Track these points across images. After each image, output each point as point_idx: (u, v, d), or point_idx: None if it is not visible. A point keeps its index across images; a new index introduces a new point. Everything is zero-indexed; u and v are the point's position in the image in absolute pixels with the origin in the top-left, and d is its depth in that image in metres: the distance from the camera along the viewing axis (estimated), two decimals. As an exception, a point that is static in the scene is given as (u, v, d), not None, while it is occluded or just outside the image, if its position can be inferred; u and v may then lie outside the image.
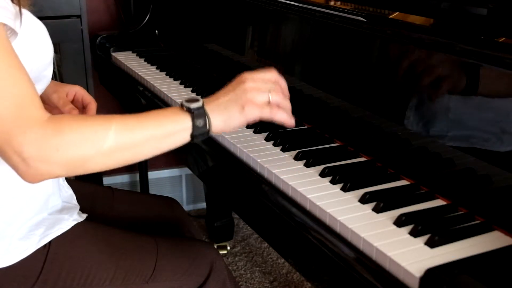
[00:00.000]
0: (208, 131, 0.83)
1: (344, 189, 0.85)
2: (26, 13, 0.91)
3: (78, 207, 1.06)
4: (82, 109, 1.15)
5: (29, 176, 0.74)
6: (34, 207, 0.97)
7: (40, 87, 0.96)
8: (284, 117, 0.87)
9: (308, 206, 0.83)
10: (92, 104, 1.15)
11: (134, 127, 0.79)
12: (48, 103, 1.13)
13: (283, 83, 0.90)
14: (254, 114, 0.84)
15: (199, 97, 0.83)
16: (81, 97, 1.16)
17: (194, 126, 0.81)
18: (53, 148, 0.73)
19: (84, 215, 1.04)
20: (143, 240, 1.05)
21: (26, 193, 0.95)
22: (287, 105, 0.88)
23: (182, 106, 0.82)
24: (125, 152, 0.78)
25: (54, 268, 0.94)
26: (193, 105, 0.81)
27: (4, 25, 0.78)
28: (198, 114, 0.81)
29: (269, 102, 0.85)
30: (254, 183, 0.94)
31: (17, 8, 0.86)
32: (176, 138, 0.81)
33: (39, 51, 0.92)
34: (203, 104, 0.82)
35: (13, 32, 0.82)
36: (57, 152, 0.73)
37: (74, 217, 1.01)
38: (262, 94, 0.85)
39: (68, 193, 1.08)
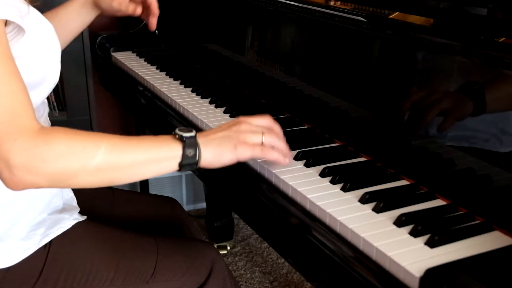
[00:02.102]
0: (197, 162, 0.83)
1: (344, 189, 0.85)
2: (33, 10, 0.91)
3: (78, 209, 1.06)
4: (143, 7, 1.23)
5: (12, 184, 0.74)
6: (38, 207, 0.98)
7: (49, 86, 0.96)
8: (276, 156, 0.88)
9: (308, 206, 0.83)
10: (153, 3, 1.22)
11: (124, 149, 0.79)
12: (109, 11, 1.21)
13: (277, 128, 0.91)
14: (246, 154, 0.85)
15: (192, 129, 0.84)
16: None
17: (183, 155, 0.81)
18: (40, 159, 0.73)
19: (84, 217, 1.04)
20: (143, 240, 1.05)
21: (30, 194, 0.95)
22: (282, 146, 0.89)
23: (174, 134, 0.82)
24: (111, 173, 0.78)
25: (54, 268, 0.94)
26: (186, 134, 0.82)
27: (9, 24, 0.78)
28: (189, 144, 0.81)
29: (262, 143, 0.86)
30: (254, 183, 0.94)
31: (25, 5, 0.86)
32: (164, 165, 0.81)
33: (47, 49, 0.92)
34: (195, 134, 0.83)
35: (21, 30, 0.82)
36: (44, 164, 0.73)
37: (75, 217, 1.01)
38: (255, 136, 0.86)
39: (69, 195, 1.09)
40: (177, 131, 0.82)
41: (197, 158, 0.83)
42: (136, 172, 0.80)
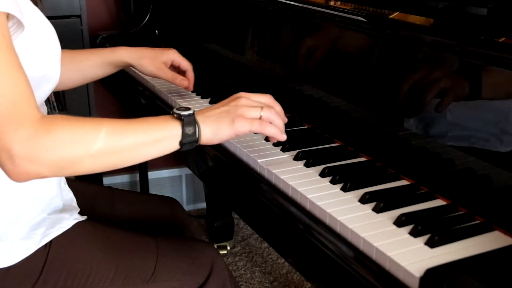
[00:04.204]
0: (197, 139, 0.84)
1: (344, 189, 0.85)
2: (35, 9, 0.91)
3: (78, 209, 1.06)
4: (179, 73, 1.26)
5: (15, 174, 0.74)
6: (37, 208, 0.98)
7: (48, 88, 0.96)
8: (274, 131, 0.87)
9: (308, 206, 0.83)
10: (190, 72, 1.26)
11: (125, 131, 0.79)
12: (148, 74, 1.25)
13: (278, 107, 0.91)
14: (244, 127, 0.85)
15: (190, 107, 0.85)
16: (178, 64, 1.25)
17: (183, 133, 0.82)
18: (42, 148, 0.73)
19: (84, 217, 1.04)
20: (143, 240, 1.05)
21: (29, 194, 0.95)
22: (280, 123, 0.89)
23: (173, 113, 0.83)
24: (113, 156, 0.79)
25: (54, 268, 0.94)
26: (184, 112, 0.82)
27: (10, 18, 0.78)
28: (188, 122, 0.82)
29: (260, 118, 0.86)
30: (254, 183, 0.94)
31: (26, 2, 0.87)
32: (165, 144, 0.82)
33: (47, 49, 0.92)
34: (194, 112, 0.84)
35: (20, 26, 0.82)
36: (46, 152, 0.73)
37: (75, 216, 1.01)
38: (253, 110, 0.86)
39: (68, 196, 1.08)
40: (175, 110, 0.83)
41: (197, 136, 0.83)
42: (138, 153, 0.81)
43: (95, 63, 1.22)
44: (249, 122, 0.85)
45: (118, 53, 1.23)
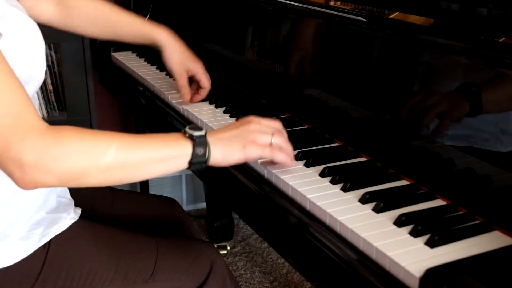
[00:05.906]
0: (206, 161, 0.83)
1: (344, 189, 0.85)
2: (12, 10, 0.88)
3: (72, 201, 1.06)
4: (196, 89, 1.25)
5: (24, 183, 0.74)
6: (34, 205, 0.97)
7: (32, 88, 0.93)
8: (284, 158, 0.88)
9: (308, 206, 0.83)
10: (204, 91, 1.24)
11: (135, 147, 0.79)
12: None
13: (285, 133, 0.91)
14: (255, 153, 0.86)
15: (202, 128, 0.84)
16: (199, 80, 1.23)
17: (193, 153, 0.81)
18: (51, 157, 0.73)
19: (79, 209, 1.03)
20: (143, 240, 1.05)
21: (27, 192, 0.95)
22: (289, 148, 0.90)
23: (184, 132, 0.82)
24: (122, 171, 0.78)
25: (54, 268, 0.94)
26: (196, 133, 0.82)
27: None
28: (199, 143, 0.82)
29: (271, 144, 0.87)
30: (254, 183, 0.94)
31: (3, 7, 0.85)
32: (174, 163, 0.82)
33: (29, 51, 0.90)
34: (205, 133, 0.83)
35: None
36: (55, 162, 0.73)
37: (72, 216, 1.01)
38: (264, 136, 0.86)
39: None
40: (187, 129, 0.82)
41: (206, 157, 0.83)
42: (146, 170, 0.81)
43: (133, 33, 1.24)
44: (260, 148, 0.86)
45: (157, 34, 1.23)
